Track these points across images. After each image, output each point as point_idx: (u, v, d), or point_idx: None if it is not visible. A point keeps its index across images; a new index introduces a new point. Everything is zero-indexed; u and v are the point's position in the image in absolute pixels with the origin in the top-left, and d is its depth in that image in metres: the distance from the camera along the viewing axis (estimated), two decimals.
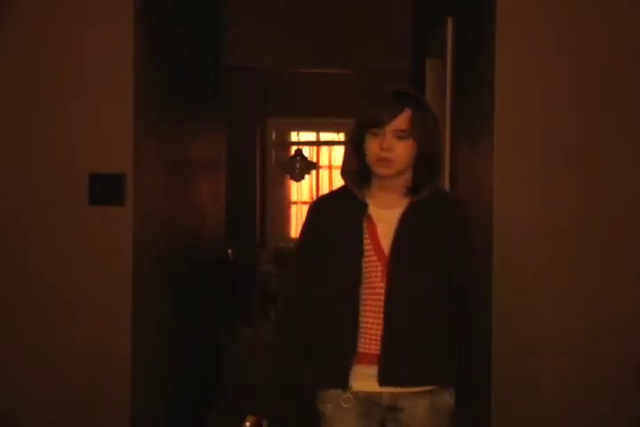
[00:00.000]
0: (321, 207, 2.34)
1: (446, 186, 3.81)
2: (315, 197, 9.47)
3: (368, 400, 2.24)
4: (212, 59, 5.19)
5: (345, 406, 2.22)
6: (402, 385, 2.21)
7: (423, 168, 2.21)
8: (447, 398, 2.26)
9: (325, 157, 9.48)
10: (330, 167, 9.46)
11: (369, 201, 2.24)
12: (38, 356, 2.95)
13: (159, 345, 3.48)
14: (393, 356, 2.19)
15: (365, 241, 2.22)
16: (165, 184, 3.56)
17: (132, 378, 2.96)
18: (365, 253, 2.21)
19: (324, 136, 9.49)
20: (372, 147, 2.18)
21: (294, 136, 9.53)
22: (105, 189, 2.93)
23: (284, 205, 9.50)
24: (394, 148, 2.16)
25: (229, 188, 6.03)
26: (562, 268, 2.88)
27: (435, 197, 2.24)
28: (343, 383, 2.22)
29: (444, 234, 2.22)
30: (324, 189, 9.48)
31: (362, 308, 2.20)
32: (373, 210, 2.24)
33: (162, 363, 3.54)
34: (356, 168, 2.25)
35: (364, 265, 2.20)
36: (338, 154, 9.40)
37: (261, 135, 9.19)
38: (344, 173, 2.28)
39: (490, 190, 2.91)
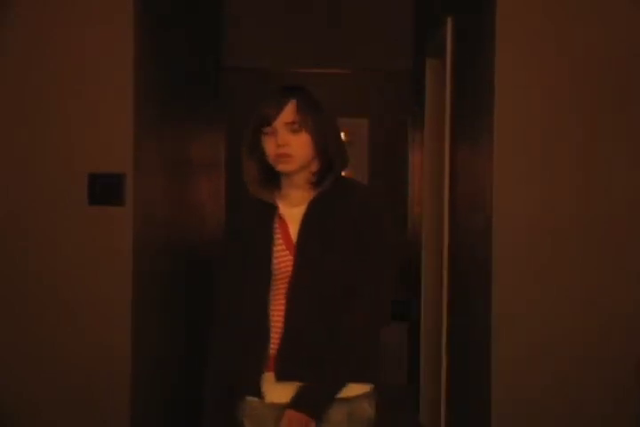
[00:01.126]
0: (235, 214, 2.34)
1: (445, 185, 3.81)
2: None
3: (283, 409, 2.15)
4: (211, 59, 5.19)
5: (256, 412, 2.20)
6: (296, 379, 2.13)
7: (324, 159, 2.18)
8: (366, 408, 2.19)
9: None
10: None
11: (279, 202, 2.22)
12: (38, 356, 2.95)
13: (159, 345, 3.48)
14: (290, 349, 2.14)
15: (278, 241, 2.19)
16: (165, 184, 3.56)
17: (132, 378, 2.96)
18: (276, 255, 2.18)
19: None
20: (269, 146, 2.16)
21: None
22: (105, 189, 2.93)
23: None
24: (289, 142, 2.13)
25: (229, 188, 6.02)
26: (562, 268, 2.88)
27: (341, 187, 2.19)
28: (255, 391, 2.18)
29: (352, 225, 2.15)
30: None
31: (272, 308, 2.18)
32: (284, 210, 2.21)
33: (162, 363, 3.54)
34: (259, 173, 2.22)
35: (275, 267, 2.17)
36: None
37: None
38: (248, 182, 2.25)
39: (490, 190, 2.91)
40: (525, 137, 2.89)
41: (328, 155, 2.18)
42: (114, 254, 2.94)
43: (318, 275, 2.14)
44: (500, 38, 2.88)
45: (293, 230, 2.19)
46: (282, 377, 2.15)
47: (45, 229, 2.94)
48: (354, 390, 2.16)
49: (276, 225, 2.21)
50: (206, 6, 4.92)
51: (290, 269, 2.17)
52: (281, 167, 2.16)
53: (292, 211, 2.21)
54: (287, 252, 2.18)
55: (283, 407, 2.14)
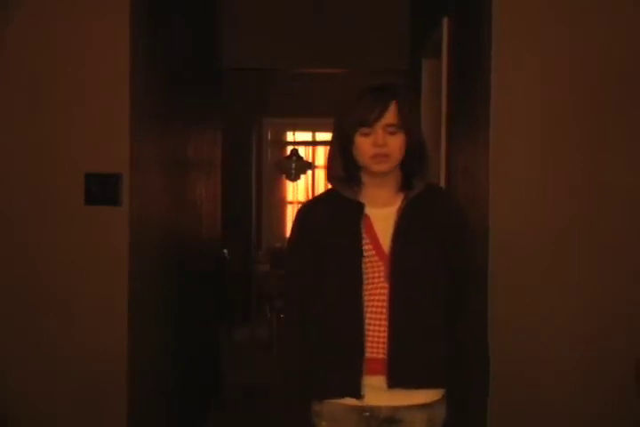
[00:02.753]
0: (310, 212, 2.27)
1: (442, 185, 3.81)
2: (306, 200, 9.48)
3: (363, 415, 2.17)
4: (209, 58, 5.18)
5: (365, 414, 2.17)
6: (411, 386, 2.13)
7: (413, 161, 2.16)
8: (443, 412, 2.20)
9: (321, 157, 9.48)
10: (325, 167, 9.46)
11: (363, 201, 2.19)
12: (34, 355, 2.94)
13: (156, 345, 3.48)
14: (402, 355, 2.12)
15: (365, 240, 2.15)
16: (162, 184, 3.56)
17: (129, 378, 2.96)
18: (365, 253, 2.14)
19: (320, 136, 9.49)
20: (365, 145, 2.12)
21: (290, 136, 9.53)
22: (101, 189, 2.92)
23: (279, 204, 9.50)
24: (387, 143, 2.11)
25: (225, 188, 6.03)
26: (561, 268, 2.89)
27: (428, 191, 2.19)
28: (354, 392, 2.14)
29: (443, 229, 2.17)
30: (320, 189, 9.48)
31: (366, 309, 2.13)
32: (368, 209, 2.18)
33: (159, 363, 3.54)
34: (344, 172, 2.19)
35: (364, 266, 2.14)
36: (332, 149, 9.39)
37: (257, 135, 9.19)
38: (332, 178, 2.23)
39: (486, 191, 2.91)
40: (522, 137, 2.89)
41: (419, 155, 2.17)
42: (110, 254, 2.93)
43: (416, 278, 2.13)
44: (496, 39, 2.89)
45: (379, 230, 2.16)
46: (396, 384, 2.12)
47: (42, 229, 2.94)
48: (434, 395, 2.18)
49: (362, 224, 2.17)
50: (205, 6, 4.92)
51: (378, 269, 2.14)
52: (377, 168, 2.13)
53: (377, 211, 2.18)
54: (373, 252, 2.15)
55: (371, 410, 2.15)
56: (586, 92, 2.88)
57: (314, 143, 9.49)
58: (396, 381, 2.12)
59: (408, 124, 2.13)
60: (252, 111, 9.01)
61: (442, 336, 2.17)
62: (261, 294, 8.01)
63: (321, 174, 9.47)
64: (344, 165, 2.19)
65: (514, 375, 2.87)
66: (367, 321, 2.13)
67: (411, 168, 2.17)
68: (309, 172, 9.21)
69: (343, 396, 2.16)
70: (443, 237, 2.16)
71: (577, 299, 2.88)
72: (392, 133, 2.12)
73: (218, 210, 5.63)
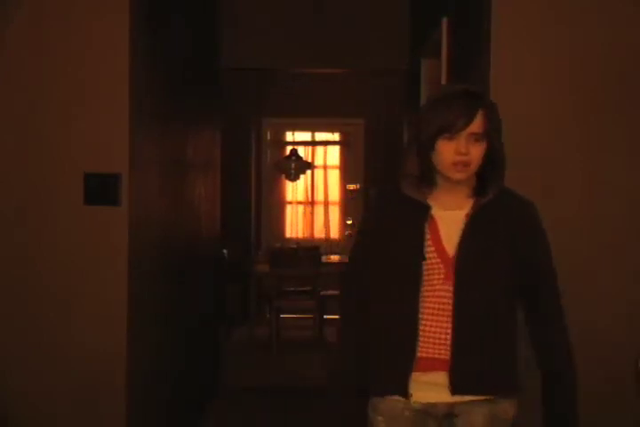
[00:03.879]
0: (387, 201, 2.27)
1: None
2: (310, 198, 9.48)
3: (424, 411, 2.18)
4: (209, 58, 5.18)
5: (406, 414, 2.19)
6: (475, 393, 2.14)
7: (488, 167, 2.15)
8: (508, 409, 2.19)
9: (320, 157, 9.48)
10: (325, 167, 9.47)
11: (431, 203, 2.18)
12: (35, 356, 2.94)
13: (155, 345, 3.47)
14: (467, 362, 2.11)
15: (427, 242, 2.15)
16: (161, 184, 3.56)
17: (129, 378, 2.96)
18: (427, 255, 2.14)
19: (320, 136, 9.50)
20: (447, 151, 2.09)
21: (289, 136, 9.53)
22: (100, 189, 2.92)
23: (279, 205, 9.50)
24: (470, 151, 2.09)
25: (224, 188, 6.02)
26: (561, 268, 2.88)
27: (500, 197, 2.16)
28: (402, 390, 2.15)
29: (514, 236, 2.14)
30: (319, 190, 9.48)
31: (421, 310, 2.14)
32: (435, 211, 2.17)
33: (158, 363, 3.54)
34: (419, 171, 2.18)
35: (424, 267, 2.14)
36: (333, 154, 9.41)
37: (257, 135, 9.19)
38: (403, 176, 2.20)
39: None
40: (521, 137, 2.89)
41: (497, 163, 2.15)
42: (109, 254, 2.93)
43: (482, 281, 2.13)
44: (496, 39, 2.89)
45: (444, 233, 2.16)
46: (460, 391, 2.13)
47: (41, 229, 2.94)
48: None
49: (427, 225, 2.17)
50: (205, 6, 4.92)
51: (438, 271, 2.14)
52: (455, 175, 2.12)
53: (444, 213, 2.17)
54: (435, 254, 2.15)
55: (423, 410, 2.17)
56: (586, 92, 2.88)
57: (313, 143, 9.49)
58: (459, 388, 2.13)
59: (492, 135, 2.12)
60: (252, 111, 9.01)
61: (506, 342, 2.17)
62: (261, 293, 8.01)
63: (320, 174, 9.47)
64: (420, 166, 2.17)
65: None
66: (423, 322, 2.14)
67: (486, 174, 2.16)
68: (309, 172, 9.21)
69: (392, 394, 2.18)
70: (515, 244, 2.14)
71: (577, 299, 2.88)
72: (475, 141, 2.10)
73: (217, 210, 5.63)
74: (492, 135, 2.11)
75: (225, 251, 7.59)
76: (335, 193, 9.41)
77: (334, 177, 9.42)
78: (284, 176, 9.02)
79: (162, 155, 3.58)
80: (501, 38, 2.89)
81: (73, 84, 2.93)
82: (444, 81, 3.79)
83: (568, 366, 2.24)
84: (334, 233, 9.42)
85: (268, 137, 9.42)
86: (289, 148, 9.02)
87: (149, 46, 3.27)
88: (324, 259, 7.69)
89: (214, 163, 5.45)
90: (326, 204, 9.53)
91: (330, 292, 7.76)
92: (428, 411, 2.18)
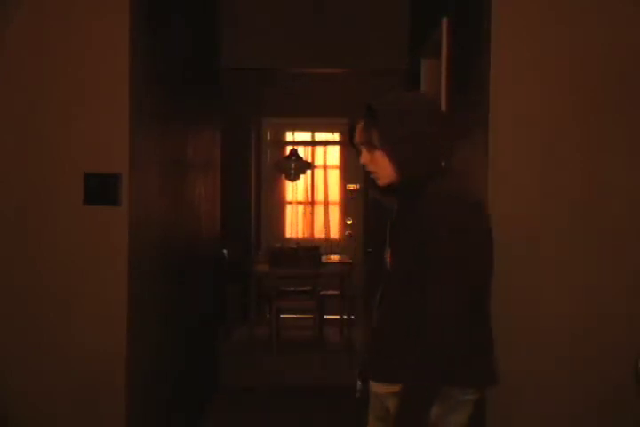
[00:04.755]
0: (372, 219, 2.54)
1: None
2: (310, 198, 9.48)
3: (380, 402, 2.32)
4: (209, 59, 5.18)
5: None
6: (380, 380, 2.25)
7: (398, 171, 2.20)
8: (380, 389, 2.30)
9: (320, 157, 9.48)
10: (325, 167, 9.47)
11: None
12: (35, 356, 2.94)
13: (155, 345, 3.48)
14: (371, 349, 2.28)
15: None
16: (161, 184, 3.56)
17: (129, 378, 2.96)
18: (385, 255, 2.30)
19: (320, 136, 9.49)
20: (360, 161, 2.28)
21: (289, 136, 9.53)
22: (100, 189, 2.92)
23: (279, 205, 9.50)
24: (370, 161, 2.22)
25: (225, 187, 6.03)
26: (561, 268, 2.89)
27: (421, 196, 2.16)
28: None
29: (416, 234, 2.14)
30: (319, 190, 9.48)
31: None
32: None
33: (158, 363, 3.54)
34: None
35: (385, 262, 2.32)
36: (333, 154, 9.41)
37: (257, 135, 9.19)
38: (369, 187, 2.42)
39: (484, 191, 2.91)
40: (522, 137, 2.89)
41: (399, 168, 2.19)
42: (109, 254, 2.93)
43: (393, 278, 2.22)
44: (496, 39, 2.89)
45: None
46: (372, 378, 2.30)
47: (41, 229, 2.94)
48: (385, 388, 2.24)
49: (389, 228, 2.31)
50: (205, 6, 4.92)
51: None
52: (377, 182, 2.26)
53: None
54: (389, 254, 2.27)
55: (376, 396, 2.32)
56: (586, 92, 2.88)
57: (313, 143, 9.48)
58: (371, 375, 2.30)
59: (379, 143, 2.19)
60: (252, 111, 9.01)
61: (407, 330, 2.16)
62: (261, 294, 8.01)
63: (320, 174, 9.47)
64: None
65: (513, 375, 2.86)
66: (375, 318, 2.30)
67: (398, 178, 2.22)
68: (309, 172, 9.21)
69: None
70: (419, 238, 2.13)
71: (577, 299, 2.88)
72: (369, 152, 2.23)
73: (217, 210, 5.63)
74: (380, 144, 2.18)
75: (225, 251, 7.59)
76: (335, 193, 9.41)
77: (334, 177, 9.42)
78: (283, 176, 9.01)
79: (162, 155, 3.58)
80: (501, 38, 2.89)
81: (73, 84, 2.93)
82: (443, 81, 3.79)
83: (410, 375, 2.08)
84: (334, 233, 9.42)
85: (268, 137, 9.42)
86: (289, 148, 9.02)
87: (149, 46, 3.27)
88: (324, 259, 7.69)
89: (214, 163, 5.45)
90: (326, 204, 9.52)
91: (330, 292, 7.77)
92: (382, 401, 2.29)
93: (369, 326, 2.35)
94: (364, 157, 2.23)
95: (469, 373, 2.16)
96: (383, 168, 2.21)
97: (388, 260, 2.26)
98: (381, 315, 2.25)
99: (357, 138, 2.23)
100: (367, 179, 2.32)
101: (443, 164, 2.22)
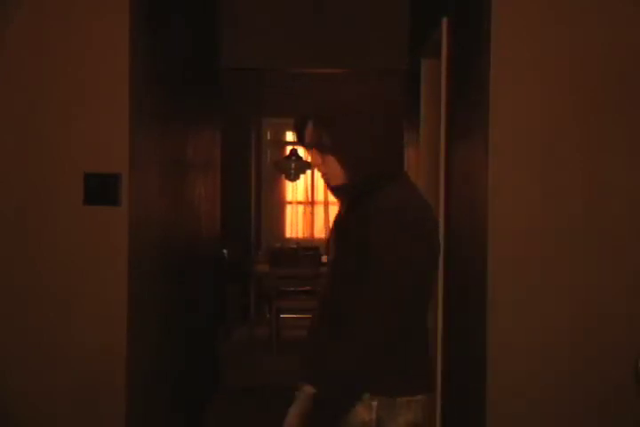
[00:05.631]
0: None
1: (441, 185, 3.81)
2: (310, 198, 9.48)
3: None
4: (209, 58, 5.18)
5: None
6: (307, 381, 2.20)
7: (350, 173, 2.17)
8: (360, 412, 2.10)
9: None
10: None
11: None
12: (35, 356, 2.94)
13: (155, 344, 3.48)
14: (302, 350, 2.24)
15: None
16: (161, 184, 3.56)
17: (129, 378, 2.96)
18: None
19: None
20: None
21: (289, 136, 9.53)
22: (100, 189, 2.92)
23: (279, 205, 9.50)
24: (319, 163, 2.20)
25: (224, 187, 6.03)
26: (561, 268, 2.89)
27: (368, 201, 2.13)
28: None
29: (356, 227, 2.11)
30: (319, 189, 9.48)
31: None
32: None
33: (158, 363, 3.54)
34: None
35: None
36: None
37: (257, 135, 9.19)
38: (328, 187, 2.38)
39: (485, 190, 2.91)
40: (522, 137, 2.89)
41: (349, 169, 2.16)
42: (110, 254, 2.93)
43: (332, 273, 2.19)
44: (496, 39, 2.89)
45: None
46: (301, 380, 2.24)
47: (41, 229, 2.94)
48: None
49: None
50: (205, 6, 4.92)
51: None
52: (328, 183, 2.25)
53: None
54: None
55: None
56: (586, 92, 2.88)
57: None
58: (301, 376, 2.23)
59: (326, 146, 2.17)
60: (252, 111, 9.01)
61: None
62: (261, 294, 8.01)
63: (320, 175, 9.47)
64: None
65: (513, 375, 2.87)
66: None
67: (348, 181, 2.20)
68: (309, 172, 9.21)
69: None
70: (359, 240, 2.08)
71: (577, 299, 2.88)
72: (316, 154, 2.21)
73: (217, 210, 5.63)
74: (327, 147, 2.16)
75: (225, 251, 7.59)
76: None
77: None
78: (283, 176, 9.02)
79: (162, 155, 3.58)
80: (501, 38, 2.89)
81: (73, 84, 2.93)
82: (443, 81, 3.79)
83: (322, 381, 2.04)
84: None
85: (268, 137, 9.42)
86: (289, 148, 9.02)
87: (149, 46, 3.27)
88: (323, 259, 7.69)
89: (214, 163, 5.46)
90: (326, 204, 9.52)
91: None
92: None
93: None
94: (315, 158, 2.20)
95: (401, 378, 2.12)
96: (333, 169, 2.18)
97: (329, 258, 2.26)
98: (315, 314, 2.23)
99: (307, 139, 2.21)
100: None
101: (394, 167, 2.21)
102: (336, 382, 2.00)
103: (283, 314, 7.80)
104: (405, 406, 2.11)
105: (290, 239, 9.29)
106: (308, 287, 7.55)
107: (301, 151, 9.09)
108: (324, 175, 2.23)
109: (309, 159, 2.25)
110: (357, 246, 2.06)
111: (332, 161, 2.18)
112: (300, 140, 2.29)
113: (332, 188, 2.25)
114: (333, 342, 2.04)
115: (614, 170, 2.86)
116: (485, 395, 2.87)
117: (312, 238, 9.34)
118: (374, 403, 2.08)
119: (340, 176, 2.19)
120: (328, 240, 2.32)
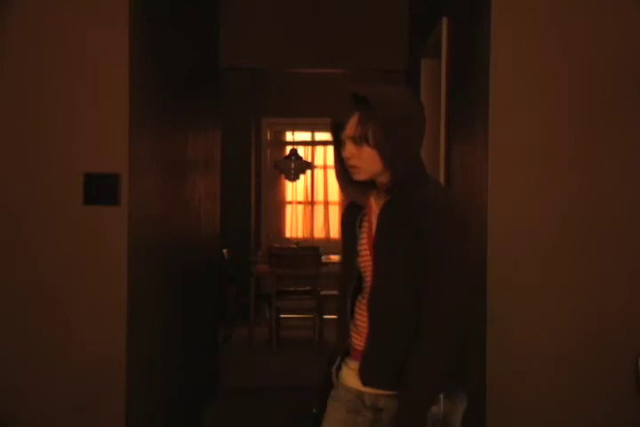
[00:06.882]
0: (342, 217, 2.42)
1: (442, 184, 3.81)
2: (310, 198, 9.48)
3: (357, 397, 2.26)
4: (208, 58, 5.18)
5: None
6: (380, 388, 2.20)
7: (392, 172, 2.15)
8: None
9: (320, 157, 9.48)
10: (325, 167, 9.47)
11: (373, 203, 2.26)
12: (35, 356, 2.94)
13: (155, 345, 3.47)
14: (374, 355, 2.19)
15: (362, 240, 2.27)
16: (160, 184, 3.56)
17: (128, 378, 2.96)
18: (360, 253, 2.26)
19: (319, 136, 9.49)
20: (343, 154, 2.21)
21: (289, 136, 9.53)
22: (100, 189, 2.92)
23: (278, 205, 9.50)
24: (355, 155, 2.16)
25: (224, 187, 6.03)
26: (561, 267, 2.89)
27: (407, 194, 2.15)
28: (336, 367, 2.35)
29: (413, 233, 2.11)
30: (319, 189, 9.48)
31: (358, 302, 2.29)
32: (369, 210, 2.26)
33: (158, 363, 3.54)
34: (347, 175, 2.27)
35: (359, 265, 2.27)
36: (332, 154, 9.41)
37: (256, 135, 9.19)
38: (338, 183, 2.33)
39: (485, 190, 2.91)
40: (522, 137, 2.89)
41: (394, 168, 2.14)
42: (109, 254, 2.93)
43: (390, 272, 2.17)
44: (495, 38, 2.89)
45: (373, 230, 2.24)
46: (367, 384, 2.21)
47: (40, 229, 2.93)
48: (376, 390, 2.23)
49: (364, 224, 2.28)
50: (204, 6, 4.92)
51: (369, 264, 2.23)
52: (354, 177, 2.21)
53: (374, 212, 2.26)
54: (368, 251, 2.23)
55: (356, 395, 2.25)
56: (586, 92, 2.88)
57: (313, 143, 9.49)
58: (366, 381, 2.21)
59: (372, 138, 2.13)
60: (251, 111, 9.01)
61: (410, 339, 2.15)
62: (261, 293, 8.01)
63: (320, 174, 9.47)
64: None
65: (512, 375, 2.87)
66: (357, 310, 2.28)
67: (389, 179, 2.18)
68: (308, 172, 9.21)
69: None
70: (415, 233, 2.11)
71: (577, 298, 2.88)
72: (358, 144, 2.17)
73: (217, 210, 5.63)
74: (373, 139, 2.12)
75: (225, 251, 7.59)
76: (335, 193, 9.41)
77: (334, 177, 9.42)
78: (283, 176, 9.02)
79: (161, 155, 3.58)
80: (501, 38, 2.89)
81: (73, 84, 2.93)
82: (443, 81, 3.79)
83: (412, 382, 2.09)
84: (334, 233, 9.42)
85: (268, 137, 9.42)
86: (289, 148, 9.02)
87: (149, 46, 3.27)
88: (323, 259, 7.70)
89: (214, 163, 5.46)
90: (326, 204, 9.53)
91: (330, 292, 7.77)
92: (359, 397, 2.25)
93: (343, 327, 2.32)
94: (350, 150, 2.16)
95: (468, 369, 2.23)
96: (370, 164, 2.15)
97: (369, 260, 2.21)
98: (374, 318, 2.19)
99: (351, 132, 2.15)
100: (339, 174, 2.27)
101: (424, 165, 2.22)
102: (431, 382, 2.08)
103: (283, 314, 7.80)
104: (460, 398, 2.21)
105: (290, 239, 9.29)
106: (307, 287, 7.55)
107: (301, 151, 9.09)
108: (353, 168, 2.19)
109: (346, 154, 2.16)
110: (418, 245, 2.09)
111: (369, 155, 2.15)
112: (336, 131, 2.22)
113: (356, 182, 2.23)
114: (418, 342, 2.09)
115: (614, 170, 2.86)
116: (485, 395, 2.87)
117: (312, 238, 9.34)
118: (441, 396, 2.15)
119: (372, 171, 2.17)
120: (354, 242, 2.27)
